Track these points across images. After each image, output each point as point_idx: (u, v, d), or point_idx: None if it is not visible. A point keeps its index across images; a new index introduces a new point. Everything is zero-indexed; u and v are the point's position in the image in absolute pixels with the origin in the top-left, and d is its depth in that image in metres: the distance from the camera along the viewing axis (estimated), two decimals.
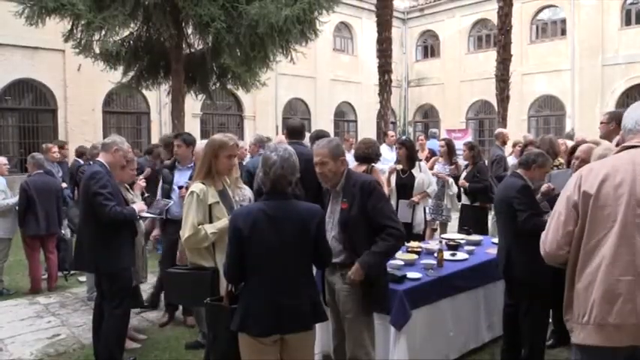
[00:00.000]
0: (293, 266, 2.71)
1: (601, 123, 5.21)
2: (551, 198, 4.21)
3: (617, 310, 2.10)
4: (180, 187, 4.94)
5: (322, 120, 21.29)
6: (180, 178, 5.16)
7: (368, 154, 5.25)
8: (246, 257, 2.69)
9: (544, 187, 4.40)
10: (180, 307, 5.43)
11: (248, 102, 19.71)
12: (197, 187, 3.46)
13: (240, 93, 14.52)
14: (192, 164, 5.16)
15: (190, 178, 4.99)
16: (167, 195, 5.13)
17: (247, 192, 4.31)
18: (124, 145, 4.34)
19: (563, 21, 21.41)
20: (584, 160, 4.22)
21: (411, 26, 26.36)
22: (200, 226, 3.39)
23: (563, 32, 21.41)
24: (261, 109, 20.34)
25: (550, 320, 4.39)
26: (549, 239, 2.30)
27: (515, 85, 19.57)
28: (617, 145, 4.24)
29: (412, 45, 26.54)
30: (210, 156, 3.54)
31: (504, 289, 4.30)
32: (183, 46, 10.22)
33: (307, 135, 6.48)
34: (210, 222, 3.45)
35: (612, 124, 5.03)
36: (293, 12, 9.37)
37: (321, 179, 3.36)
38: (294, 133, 4.94)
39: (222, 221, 3.37)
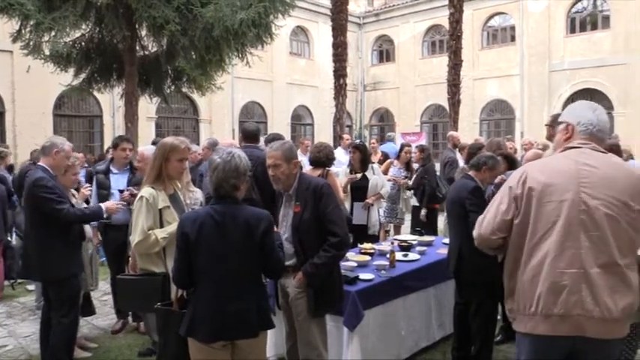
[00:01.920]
0: (239, 272, 2.69)
1: (546, 125, 5.43)
2: None
3: (562, 301, 2.22)
4: (121, 191, 4.79)
5: (279, 123, 21.30)
6: (117, 182, 5.05)
7: (319, 158, 5.29)
8: (194, 262, 2.67)
9: (498, 179, 4.48)
10: (131, 313, 5.32)
11: (204, 105, 19.51)
12: (146, 191, 3.41)
13: (196, 96, 14.37)
14: (127, 167, 5.09)
15: (129, 182, 4.90)
16: (103, 201, 4.97)
17: (199, 195, 4.29)
18: (64, 146, 4.18)
19: (513, 28, 22.12)
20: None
21: (366, 31, 26.68)
22: (150, 231, 3.35)
23: (513, 39, 22.11)
24: (218, 113, 20.18)
25: (499, 316, 4.54)
26: (485, 223, 2.45)
27: (467, 89, 20.09)
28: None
29: (368, 49, 26.87)
30: (161, 159, 3.50)
31: (455, 288, 4.41)
32: (137, 48, 10.03)
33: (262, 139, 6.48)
34: (161, 227, 3.41)
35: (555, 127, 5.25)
36: (248, 15, 9.33)
37: (273, 182, 3.37)
38: (248, 136, 4.93)
39: (173, 226, 3.33)
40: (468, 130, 19.80)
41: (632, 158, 8.92)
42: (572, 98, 20.45)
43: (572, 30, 20.56)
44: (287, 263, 3.24)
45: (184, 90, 12.04)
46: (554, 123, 5.17)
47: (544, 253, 2.26)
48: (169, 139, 3.62)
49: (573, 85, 20.31)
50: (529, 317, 2.32)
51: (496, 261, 2.81)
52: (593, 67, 19.59)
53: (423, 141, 16.54)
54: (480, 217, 2.51)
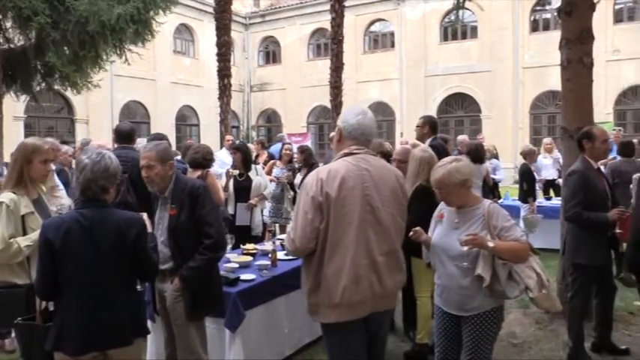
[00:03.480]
0: (110, 279, 2.57)
1: (417, 127, 5.80)
2: None
3: (360, 289, 2.59)
4: None
5: (163, 124, 20.55)
6: None
7: (196, 159, 5.21)
8: (60, 271, 2.52)
9: None
10: None
11: (80, 104, 18.35)
12: (6, 196, 3.15)
13: (71, 94, 13.44)
14: None
15: None
16: None
17: (65, 201, 4.04)
18: None
19: (392, 34, 23.26)
20: (401, 161, 4.66)
21: (253, 32, 26.64)
22: (12, 240, 3.10)
23: (393, 44, 23.26)
24: (96, 112, 19.07)
25: None
26: (299, 235, 2.60)
27: (350, 91, 20.79)
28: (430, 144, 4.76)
29: (254, 50, 26.84)
30: (22, 162, 3.24)
31: None
32: (1, 41, 9.22)
33: (144, 140, 6.26)
34: (25, 234, 3.17)
35: (426, 128, 5.64)
36: (126, 10, 8.95)
37: (147, 183, 3.25)
38: (122, 137, 4.71)
39: (37, 233, 3.11)
40: None
41: (496, 157, 9.78)
42: (446, 102, 22.01)
43: (445, 38, 22.07)
44: (163, 267, 3.18)
45: (57, 87, 11.24)
46: (422, 124, 5.60)
47: (345, 250, 2.58)
48: (31, 140, 3.38)
49: (447, 89, 21.80)
50: (333, 308, 2.61)
51: None
52: (463, 73, 21.17)
53: (309, 142, 16.86)
54: (291, 232, 2.66)
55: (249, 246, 4.85)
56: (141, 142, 6.72)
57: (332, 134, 10.32)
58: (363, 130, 2.74)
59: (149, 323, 3.55)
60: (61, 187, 4.97)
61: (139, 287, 3.07)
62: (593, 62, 5.11)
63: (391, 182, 2.75)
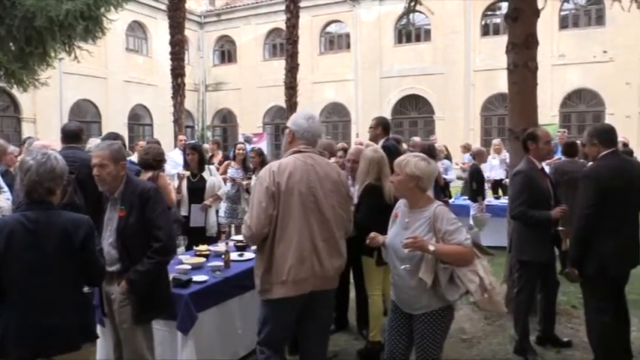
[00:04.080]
0: (57, 283, 2.51)
1: (370, 128, 5.88)
2: None
3: (304, 269, 2.98)
4: None
5: (115, 123, 20.01)
6: None
7: (146, 160, 5.12)
8: (3, 275, 2.44)
9: None
10: None
11: (27, 102, 17.66)
12: None
13: (17, 92, 12.94)
14: None
15: None
16: None
17: (4, 203, 3.90)
18: None
19: (348, 35, 23.45)
20: (355, 161, 4.72)
21: (208, 30, 26.32)
22: None
23: (348, 46, 23.45)
24: (44, 111, 18.40)
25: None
26: (254, 222, 2.96)
27: (306, 92, 20.85)
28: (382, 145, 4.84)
29: (209, 49, 26.52)
30: None
31: None
32: None
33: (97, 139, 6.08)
34: None
35: (379, 129, 5.73)
36: (76, 6, 8.73)
37: (98, 182, 3.19)
38: (69, 136, 4.56)
39: None
40: None
41: (448, 159, 10.02)
42: (400, 103, 22.36)
43: (400, 40, 22.41)
44: (111, 269, 3.13)
45: (1, 85, 10.81)
46: (375, 125, 5.69)
47: (291, 235, 2.96)
48: None
49: (401, 90, 22.14)
50: (281, 285, 2.99)
51: None
52: (417, 75, 21.56)
53: (264, 142, 16.79)
54: (247, 220, 3.03)
55: (202, 247, 4.80)
56: (93, 142, 6.55)
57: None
58: (313, 132, 3.16)
59: (98, 327, 3.50)
60: (6, 189, 4.78)
61: (86, 290, 3.00)
62: (537, 66, 5.31)
63: (333, 177, 3.14)
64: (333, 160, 6.42)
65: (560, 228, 4.34)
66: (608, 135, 3.92)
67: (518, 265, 4.47)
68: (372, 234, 3.24)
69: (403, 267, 3.04)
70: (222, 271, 4.18)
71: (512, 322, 4.53)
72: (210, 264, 4.29)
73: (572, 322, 5.07)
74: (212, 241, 5.81)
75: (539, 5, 5.38)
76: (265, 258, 3.02)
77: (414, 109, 22.47)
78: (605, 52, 18.80)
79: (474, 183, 7.80)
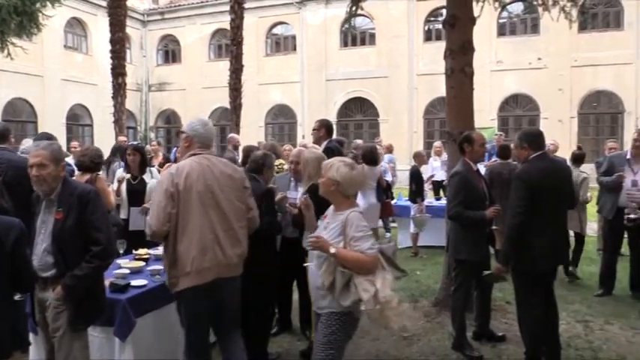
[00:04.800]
0: None
1: (313, 130, 5.93)
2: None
3: (207, 259, 3.23)
4: None
5: (52, 123, 19.23)
6: None
7: (83, 162, 4.97)
8: None
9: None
10: None
11: None
12: None
13: None
14: None
15: None
16: None
17: None
18: None
19: (294, 37, 23.51)
20: (297, 163, 4.73)
21: (151, 29, 25.76)
22: None
23: (294, 48, 23.50)
24: None
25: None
26: (154, 221, 3.18)
27: (253, 94, 20.74)
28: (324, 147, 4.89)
29: (153, 49, 25.97)
30: None
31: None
32: None
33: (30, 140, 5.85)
34: None
35: (322, 131, 5.78)
36: (9, 1, 8.36)
37: (35, 183, 3.06)
38: None
39: None
40: (255, 134, 20.43)
41: (392, 162, 10.23)
42: (346, 105, 22.61)
43: (345, 44, 22.67)
44: (45, 275, 3.02)
45: None
46: (319, 128, 5.74)
47: (193, 229, 3.20)
48: None
49: (347, 93, 22.40)
50: (186, 276, 3.20)
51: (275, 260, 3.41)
52: (362, 78, 21.87)
53: None
54: (149, 219, 3.26)
55: (142, 251, 4.70)
56: (27, 142, 6.26)
57: (229, 136, 10.29)
58: (208, 137, 3.49)
59: (31, 335, 3.37)
60: None
61: (17, 297, 2.89)
62: (473, 72, 5.50)
63: (229, 173, 3.43)
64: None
65: (495, 227, 4.52)
66: (536, 138, 4.12)
67: (455, 263, 4.63)
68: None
69: (306, 265, 3.23)
70: (162, 275, 4.09)
71: (451, 319, 4.67)
72: (149, 268, 4.20)
73: (506, 317, 5.28)
74: (152, 244, 5.67)
75: (475, 13, 5.58)
76: (170, 253, 3.26)
77: (359, 111, 22.76)
78: (539, 59, 19.70)
79: (414, 184, 7.97)
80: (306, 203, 3.49)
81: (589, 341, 4.75)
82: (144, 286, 3.87)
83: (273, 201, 4.27)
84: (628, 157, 5.87)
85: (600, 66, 18.99)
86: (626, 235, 6.05)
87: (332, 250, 2.93)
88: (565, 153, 7.88)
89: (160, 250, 4.82)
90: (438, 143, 11.25)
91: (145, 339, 3.83)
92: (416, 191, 7.95)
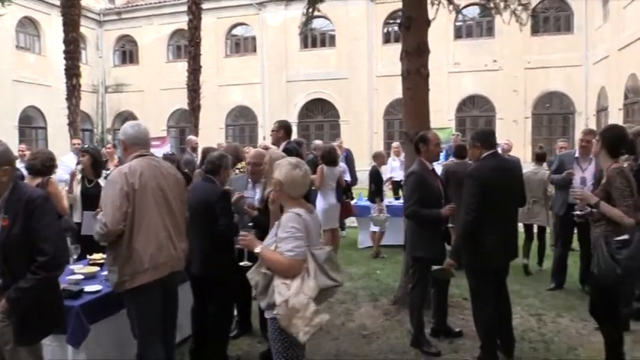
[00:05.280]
0: None
1: (272, 131, 5.92)
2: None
3: (163, 254, 3.41)
4: None
5: (2, 126, 18.51)
6: None
7: (34, 166, 4.82)
8: None
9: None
10: None
11: None
12: None
13: None
14: None
15: None
16: None
17: None
18: None
19: (254, 39, 23.40)
20: (256, 164, 4.71)
21: (107, 29, 25.21)
22: None
23: (255, 49, 23.40)
24: None
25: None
26: (110, 220, 3.25)
27: (212, 95, 20.53)
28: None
29: (109, 49, 25.41)
30: None
31: (192, 290, 4.46)
32: None
33: None
34: None
35: (280, 132, 5.78)
36: None
37: None
38: None
39: None
40: (215, 135, 20.22)
41: (352, 162, 10.28)
42: (307, 107, 22.67)
43: (306, 45, 22.71)
44: None
45: None
46: (277, 129, 5.73)
47: (148, 226, 3.35)
48: None
49: (307, 94, 22.44)
50: (144, 272, 3.33)
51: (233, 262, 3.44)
52: (323, 79, 21.96)
53: (168, 146, 16.24)
54: (103, 218, 3.28)
55: (96, 256, 4.57)
56: None
57: (187, 138, 10.13)
58: (140, 137, 3.58)
59: None
60: None
61: None
62: (429, 73, 5.60)
63: (172, 172, 3.66)
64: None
65: (450, 225, 4.61)
66: (488, 138, 4.24)
67: (412, 261, 4.70)
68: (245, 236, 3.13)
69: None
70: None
71: (409, 317, 4.74)
72: (104, 273, 4.11)
73: (463, 313, 5.38)
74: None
75: (431, 15, 5.69)
76: (123, 251, 3.32)
77: (320, 112, 22.85)
78: (495, 61, 20.22)
79: (373, 184, 8.05)
80: (272, 198, 3.46)
81: (542, 334, 4.90)
82: (98, 291, 3.79)
83: (229, 203, 4.25)
84: (576, 155, 6.09)
85: (552, 68, 19.64)
86: (576, 231, 6.27)
87: (256, 249, 2.91)
88: (520, 152, 8.15)
89: None
90: (396, 144, 11.38)
91: (100, 346, 3.75)
92: (375, 191, 8.03)
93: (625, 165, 4.10)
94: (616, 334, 3.82)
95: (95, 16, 24.38)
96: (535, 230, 7.29)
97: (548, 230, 7.55)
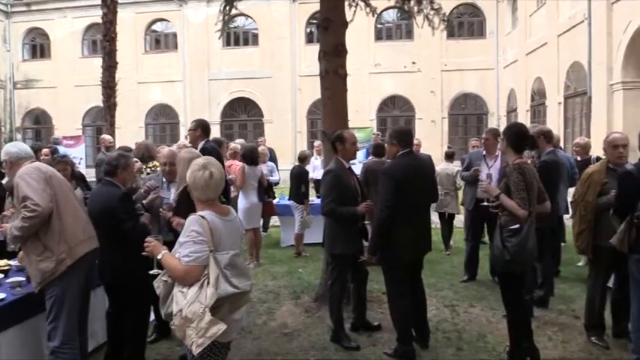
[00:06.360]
0: None
1: (189, 130, 5.81)
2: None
3: (89, 227, 3.72)
4: None
5: None
6: None
7: None
8: None
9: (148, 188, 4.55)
10: None
11: None
12: None
13: None
14: None
15: None
16: None
17: None
18: None
19: (175, 35, 22.83)
20: (172, 164, 4.62)
21: (15, 21, 23.69)
22: None
23: (176, 46, 22.83)
24: None
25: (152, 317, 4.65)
26: (41, 201, 3.33)
27: (131, 92, 19.88)
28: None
29: (18, 42, 23.88)
30: None
31: (107, 296, 4.30)
32: None
33: None
34: None
35: (198, 131, 5.67)
36: None
37: None
38: None
39: None
40: (134, 134, 19.53)
41: (274, 161, 10.29)
42: (230, 105, 22.42)
43: (228, 43, 22.43)
44: None
45: None
46: (195, 128, 5.64)
47: (71, 204, 3.63)
48: None
49: (230, 93, 22.22)
50: (81, 243, 3.56)
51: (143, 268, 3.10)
52: (246, 78, 21.83)
53: (82, 146, 15.52)
54: (27, 203, 3.31)
55: (2, 262, 4.34)
56: None
57: (100, 137, 9.80)
58: (23, 153, 3.66)
59: None
60: None
61: None
62: (347, 73, 5.72)
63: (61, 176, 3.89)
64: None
65: (367, 222, 4.75)
66: (405, 136, 4.40)
67: (331, 258, 4.80)
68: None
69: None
70: (23, 287, 3.81)
71: (329, 313, 4.82)
72: (9, 280, 3.89)
73: (382, 307, 5.53)
74: (12, 255, 5.20)
75: (348, 17, 5.81)
76: (56, 228, 3.44)
77: (244, 111, 22.67)
78: (414, 63, 20.93)
79: (303, 185, 8.06)
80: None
81: (455, 324, 5.14)
82: (2, 299, 3.59)
83: (131, 203, 4.10)
84: (484, 153, 6.46)
85: (467, 71, 20.65)
86: (486, 225, 6.65)
87: (159, 256, 2.79)
88: (437, 151, 8.51)
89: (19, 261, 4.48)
90: (317, 143, 11.49)
91: (8, 355, 3.56)
92: (305, 193, 8.05)
93: (529, 161, 4.39)
94: (521, 320, 4.10)
95: (2, 7, 22.87)
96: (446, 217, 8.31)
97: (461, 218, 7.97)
